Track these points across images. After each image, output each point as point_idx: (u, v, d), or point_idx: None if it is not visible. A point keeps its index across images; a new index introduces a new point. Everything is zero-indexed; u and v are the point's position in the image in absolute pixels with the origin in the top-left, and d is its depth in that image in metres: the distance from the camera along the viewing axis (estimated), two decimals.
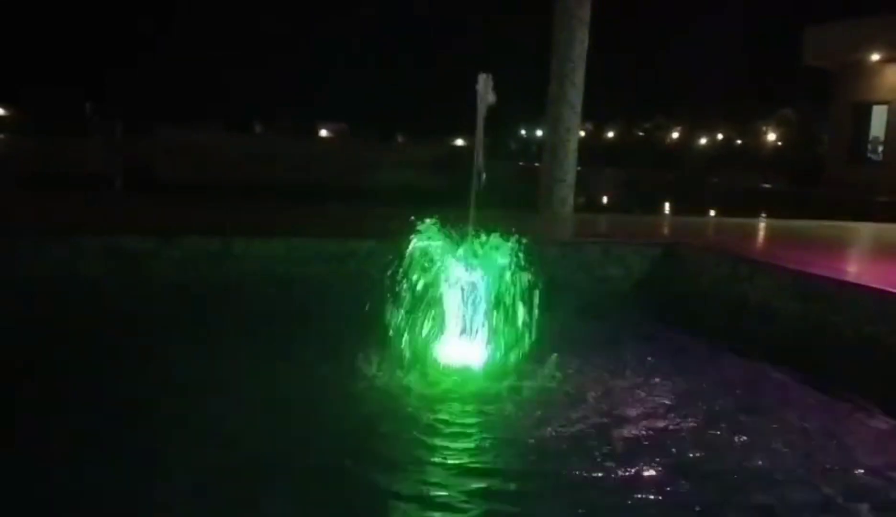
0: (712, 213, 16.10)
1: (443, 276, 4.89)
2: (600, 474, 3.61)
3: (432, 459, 3.72)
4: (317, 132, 72.52)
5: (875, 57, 27.09)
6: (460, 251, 4.97)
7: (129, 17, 53.22)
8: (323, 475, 3.49)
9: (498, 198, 5.29)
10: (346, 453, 3.67)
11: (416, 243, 4.92)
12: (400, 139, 71.99)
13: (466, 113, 5.17)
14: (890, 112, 27.04)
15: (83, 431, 3.72)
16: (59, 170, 22.45)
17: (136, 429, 3.81)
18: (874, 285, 5.64)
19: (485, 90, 4.89)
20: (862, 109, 28.43)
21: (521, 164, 29.19)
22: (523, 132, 63.42)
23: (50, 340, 5.03)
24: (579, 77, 10.58)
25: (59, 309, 5.64)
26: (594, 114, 48.82)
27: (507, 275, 4.86)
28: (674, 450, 3.93)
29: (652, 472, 3.66)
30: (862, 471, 3.78)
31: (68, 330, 5.26)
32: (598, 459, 3.75)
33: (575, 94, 10.63)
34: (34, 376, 4.47)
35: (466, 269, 4.88)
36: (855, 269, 7.45)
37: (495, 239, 4.94)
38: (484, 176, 4.89)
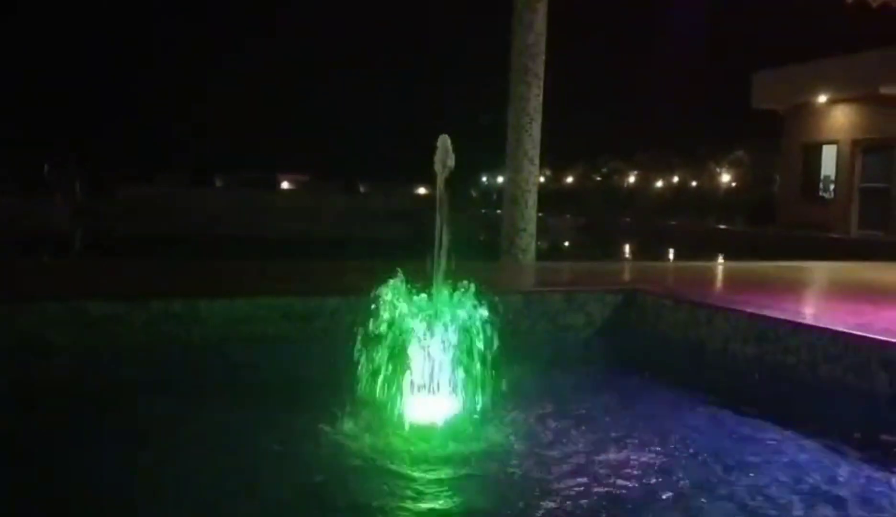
0: (671, 255, 16.46)
1: (406, 333, 4.90)
2: None
3: None
4: (278, 184, 72.39)
5: (822, 98, 27.96)
6: (423, 306, 4.98)
7: (88, 76, 53.23)
8: None
9: (461, 248, 5.32)
10: None
11: (379, 300, 4.93)
12: (362, 189, 72.03)
13: (427, 161, 5.18)
14: (839, 151, 27.83)
15: None
16: (21, 231, 22.35)
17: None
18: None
19: (444, 153, 4.91)
20: (812, 149, 29.22)
21: (483, 211, 29.54)
22: (484, 179, 63.93)
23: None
24: (536, 130, 10.85)
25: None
26: (553, 159, 49.50)
27: (471, 328, 4.89)
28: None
29: None
30: None
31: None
32: None
33: (532, 145, 10.88)
34: None
35: (430, 325, 4.90)
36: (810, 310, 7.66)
37: (459, 292, 4.96)
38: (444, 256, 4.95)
